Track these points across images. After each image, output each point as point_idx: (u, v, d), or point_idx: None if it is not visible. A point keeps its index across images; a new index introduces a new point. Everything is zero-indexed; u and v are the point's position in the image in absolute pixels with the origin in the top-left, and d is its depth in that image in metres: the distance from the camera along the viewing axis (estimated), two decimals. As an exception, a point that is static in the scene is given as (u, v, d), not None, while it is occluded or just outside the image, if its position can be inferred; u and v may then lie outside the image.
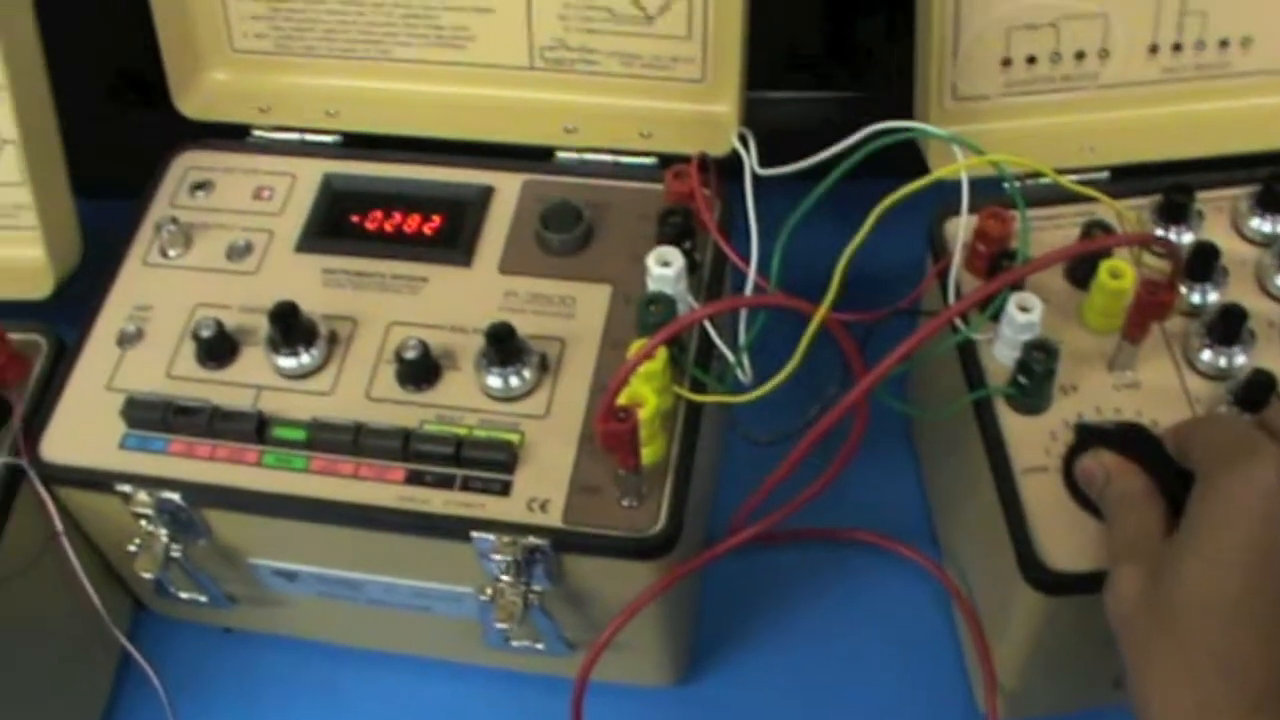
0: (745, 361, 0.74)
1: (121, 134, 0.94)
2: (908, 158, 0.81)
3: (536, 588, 0.74)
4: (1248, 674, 0.59)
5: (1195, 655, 0.60)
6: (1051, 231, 0.82)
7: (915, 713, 0.89)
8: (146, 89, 0.91)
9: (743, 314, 0.76)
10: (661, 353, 0.71)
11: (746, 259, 0.76)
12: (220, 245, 0.85)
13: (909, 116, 0.86)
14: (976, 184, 0.78)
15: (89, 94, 0.97)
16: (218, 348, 0.79)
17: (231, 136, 0.91)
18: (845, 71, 1.05)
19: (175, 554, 0.78)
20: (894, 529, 0.92)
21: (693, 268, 0.78)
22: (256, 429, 0.76)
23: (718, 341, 0.76)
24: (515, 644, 0.79)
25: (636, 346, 0.71)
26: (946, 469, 0.90)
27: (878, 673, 0.90)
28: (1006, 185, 0.77)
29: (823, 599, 0.93)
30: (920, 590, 0.92)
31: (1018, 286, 0.76)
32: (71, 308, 0.84)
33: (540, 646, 0.80)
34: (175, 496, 0.75)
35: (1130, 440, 0.72)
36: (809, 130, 0.77)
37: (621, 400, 0.68)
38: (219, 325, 0.78)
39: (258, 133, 0.91)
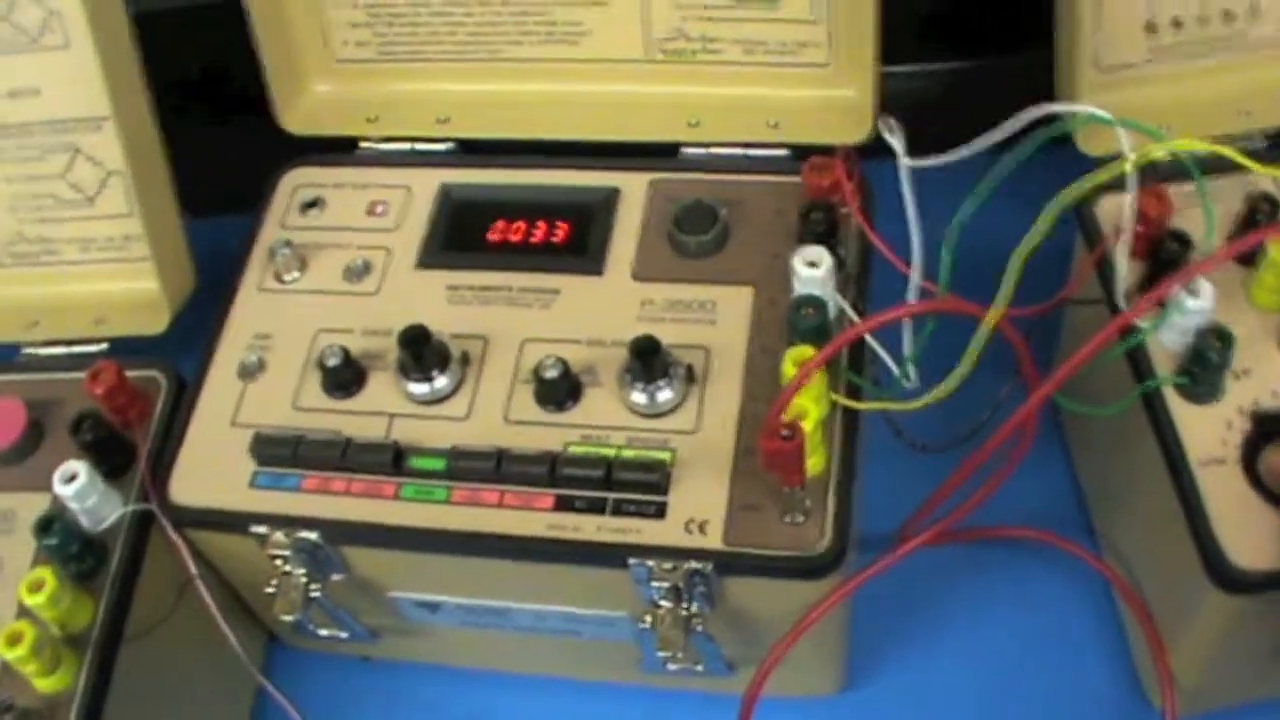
0: (911, 370, 0.69)
1: (227, 153, 0.90)
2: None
3: (696, 611, 0.70)
4: None
5: None
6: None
7: (1083, 711, 0.84)
8: (249, 106, 0.86)
9: (908, 319, 0.71)
10: (818, 360, 0.66)
11: (899, 257, 0.71)
12: (337, 266, 0.81)
13: (1040, 83, 0.80)
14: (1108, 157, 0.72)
15: (191, 114, 0.93)
16: (345, 376, 0.75)
17: (339, 150, 0.88)
18: (974, 41, 0.99)
19: (314, 594, 0.74)
20: (1045, 522, 0.87)
21: (838, 266, 0.73)
22: (393, 460, 0.72)
23: (878, 349, 0.71)
24: (673, 667, 0.75)
25: (794, 356, 0.67)
26: (1111, 463, 0.85)
27: (1041, 670, 0.85)
28: (1172, 163, 0.71)
29: (979, 598, 0.89)
30: (1081, 586, 0.87)
31: (1181, 268, 0.70)
32: (188, 341, 0.81)
33: (699, 668, 0.76)
34: (312, 536, 0.72)
35: (1313, 425, 0.66)
36: (935, 105, 0.72)
37: (786, 415, 0.64)
38: (345, 352, 0.75)
39: (366, 145, 0.87)
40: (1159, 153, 0.69)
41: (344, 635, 0.81)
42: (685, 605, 0.69)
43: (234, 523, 0.73)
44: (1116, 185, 0.70)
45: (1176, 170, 0.73)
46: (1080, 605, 0.87)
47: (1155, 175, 0.74)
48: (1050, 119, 0.67)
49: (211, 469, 0.75)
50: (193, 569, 0.75)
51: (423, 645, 0.85)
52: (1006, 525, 0.87)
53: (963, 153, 0.67)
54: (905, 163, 0.70)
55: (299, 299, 0.80)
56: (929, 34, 1.00)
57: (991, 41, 0.99)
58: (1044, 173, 0.67)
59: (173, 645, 0.77)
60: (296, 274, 0.81)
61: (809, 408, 0.66)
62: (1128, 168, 0.68)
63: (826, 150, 0.77)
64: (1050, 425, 0.94)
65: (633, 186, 0.82)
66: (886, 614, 0.88)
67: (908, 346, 0.69)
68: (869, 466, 0.80)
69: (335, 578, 0.75)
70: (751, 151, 0.83)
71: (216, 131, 0.99)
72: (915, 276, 0.69)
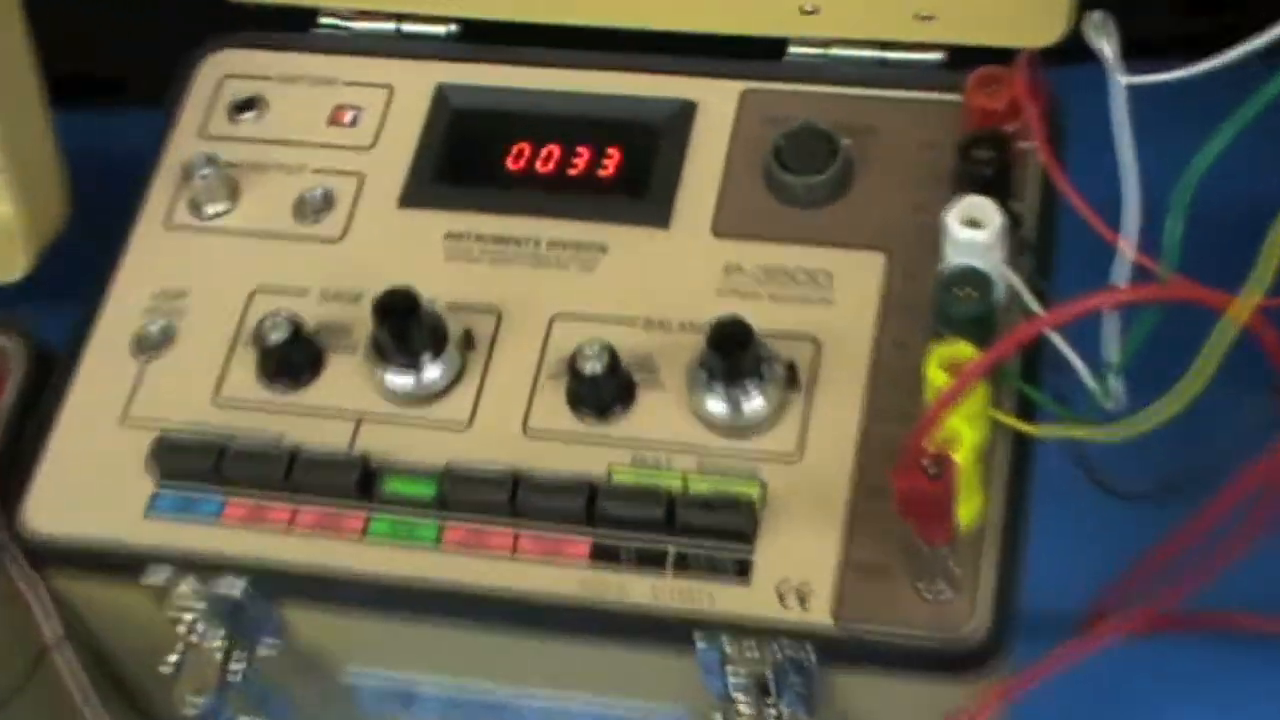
0: (1116, 383, 0.72)
1: (123, 12, 0.93)
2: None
3: (788, 713, 0.73)
4: None
5: None
6: None
7: None
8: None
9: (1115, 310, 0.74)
10: (982, 367, 0.70)
11: (1106, 219, 0.74)
12: (284, 197, 0.85)
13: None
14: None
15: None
16: (294, 357, 0.79)
17: (289, 27, 0.91)
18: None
19: (235, 672, 0.77)
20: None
21: (1013, 226, 0.76)
22: (360, 482, 0.76)
23: (1067, 352, 0.73)
24: (750, 788, 0.79)
25: (946, 355, 0.69)
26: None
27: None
28: None
29: (1211, 709, 0.92)
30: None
31: None
32: (56, 296, 0.84)
33: (783, 791, 0.79)
34: (236, 587, 0.75)
35: None
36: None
37: (930, 441, 0.67)
38: (294, 325, 0.78)
39: (328, 21, 0.91)
40: None
41: (269, 732, 0.85)
42: (772, 704, 0.72)
43: (120, 564, 0.76)
44: None
45: None
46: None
47: None
48: None
49: (88, 486, 0.78)
50: (52, 631, 0.79)
51: (387, 752, 0.88)
52: (1246, 612, 0.90)
53: (1207, 66, 0.70)
54: (1120, 80, 0.73)
55: (226, 242, 0.84)
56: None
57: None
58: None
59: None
60: (223, 205, 0.85)
61: (963, 432, 0.69)
62: None
63: (1001, 56, 0.80)
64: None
65: (716, 100, 0.85)
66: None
67: (1113, 351, 0.72)
68: (1043, 518, 0.83)
69: (266, 648, 0.78)
70: (891, 55, 0.86)
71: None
72: (1128, 249, 0.71)
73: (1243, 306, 0.66)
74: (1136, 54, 0.70)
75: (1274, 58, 0.66)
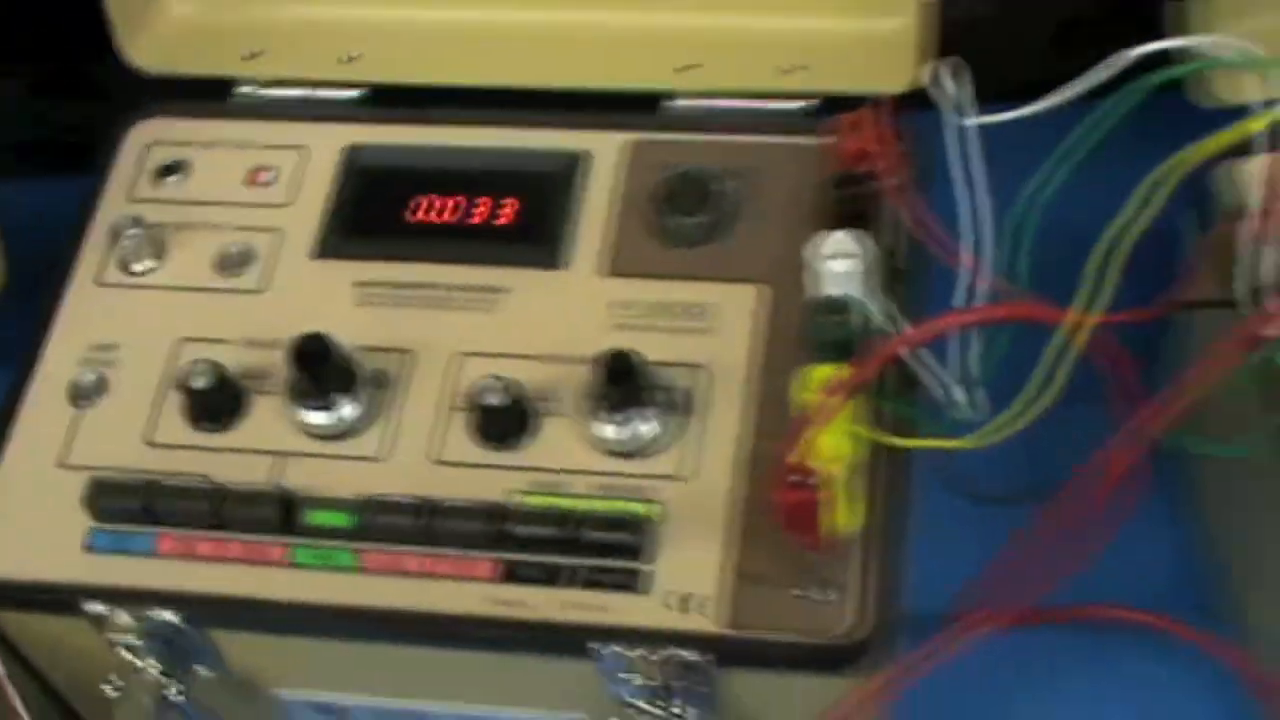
0: (978, 393, 0.73)
1: (58, 91, 0.93)
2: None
3: (684, 714, 0.74)
4: None
5: None
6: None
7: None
8: (90, 31, 0.90)
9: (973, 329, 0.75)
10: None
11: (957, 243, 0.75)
12: (206, 253, 0.85)
13: (1138, 15, 0.85)
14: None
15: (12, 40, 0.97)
16: (217, 401, 0.79)
17: (208, 97, 0.92)
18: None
19: (173, 695, 0.78)
20: (1142, 601, 0.92)
21: (878, 258, 0.78)
22: (282, 515, 0.76)
23: (933, 368, 0.75)
24: (650, 786, 0.80)
25: (815, 377, 0.71)
26: (1250, 523, 0.89)
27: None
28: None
29: (1065, 697, 0.94)
30: (1195, 682, 0.93)
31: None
32: (-2, 352, 0.84)
33: (682, 787, 0.80)
34: (171, 616, 0.76)
35: None
36: (1003, 44, 0.76)
37: (800, 456, 0.68)
38: (218, 371, 0.79)
39: (245, 90, 0.92)
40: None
41: (209, 752, 0.85)
42: (668, 706, 0.73)
43: (60, 599, 0.77)
44: (1244, 149, 0.73)
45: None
46: (1195, 707, 0.93)
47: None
48: (1157, 60, 0.71)
49: (28, 525, 0.79)
50: (-2, 667, 0.79)
51: (318, 768, 0.89)
52: (1104, 604, 0.91)
53: (1040, 106, 0.72)
54: (962, 121, 0.75)
55: (154, 297, 0.85)
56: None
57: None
58: (1146, 135, 0.70)
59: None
60: (150, 263, 0.85)
61: (836, 446, 0.70)
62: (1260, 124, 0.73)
63: (862, 103, 0.81)
64: (1160, 478, 0.98)
65: (604, 151, 0.86)
66: (948, 712, 0.92)
67: (973, 366, 0.74)
68: (917, 525, 0.84)
69: (203, 674, 0.79)
70: (763, 105, 0.87)
71: (45, 67, 1.03)
72: (981, 272, 0.73)
73: (1083, 323, 0.68)
74: (1017, 94, 0.72)
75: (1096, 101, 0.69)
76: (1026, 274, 0.72)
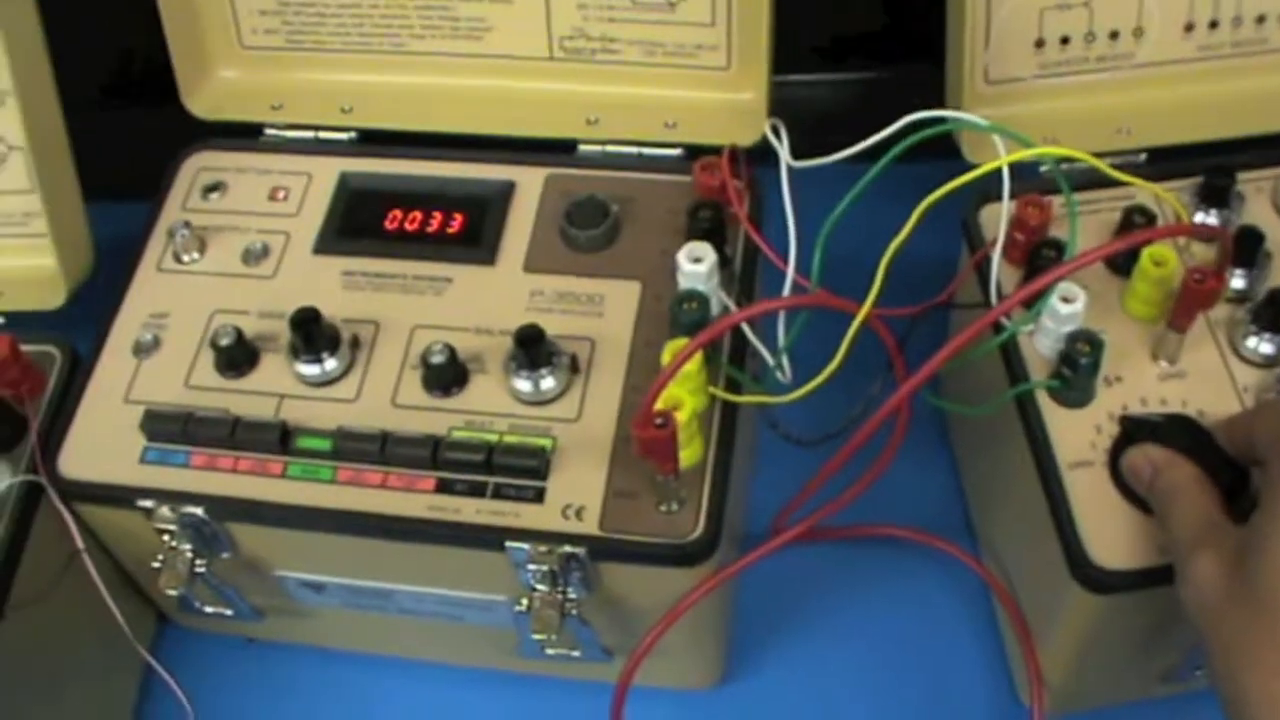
0: (785, 362, 0.72)
1: (131, 135, 0.92)
2: (939, 139, 0.79)
3: (573, 596, 0.73)
4: None
5: None
6: (1089, 217, 0.80)
7: (957, 709, 0.87)
8: (154, 89, 0.89)
9: (781, 313, 0.74)
10: (698, 353, 0.69)
11: (782, 254, 0.74)
12: (236, 249, 0.83)
13: (939, 95, 0.84)
14: (1014, 170, 0.75)
15: (95, 95, 0.95)
16: (237, 356, 0.77)
17: (244, 136, 0.90)
18: (874, 53, 1.02)
19: (200, 569, 0.76)
20: (930, 525, 0.90)
21: (724, 263, 0.76)
22: (280, 439, 0.74)
23: (755, 342, 0.74)
24: (551, 652, 0.78)
25: (672, 348, 0.70)
26: (987, 464, 0.88)
27: (918, 669, 0.89)
28: (1051, 174, 0.75)
29: (860, 596, 0.92)
30: (959, 586, 0.91)
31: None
32: (86, 318, 0.82)
33: (577, 654, 0.78)
34: (198, 511, 0.74)
35: (1177, 431, 0.69)
36: (838, 114, 0.75)
37: (658, 404, 0.66)
38: (238, 333, 0.77)
39: (271, 131, 0.89)
40: (1025, 157, 0.72)
41: (229, 613, 0.83)
42: (561, 589, 0.72)
43: (121, 497, 0.75)
44: (1000, 195, 0.74)
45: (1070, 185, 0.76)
46: (958, 605, 0.91)
47: (1039, 187, 0.78)
48: (928, 125, 0.70)
49: (102, 444, 0.76)
50: (79, 542, 0.77)
51: (308, 627, 0.87)
52: (882, 524, 0.90)
53: (841, 155, 0.71)
54: (787, 163, 0.74)
55: (197, 280, 0.82)
56: (834, 47, 1.03)
57: (893, 54, 1.03)
58: (934, 186, 0.70)
59: (58, 618, 0.78)
60: (196, 255, 0.83)
61: (685, 399, 0.69)
62: (1003, 170, 0.73)
63: (719, 151, 0.80)
64: (938, 430, 0.98)
65: (529, 181, 0.85)
66: (769, 611, 0.90)
67: (781, 338, 0.72)
68: (763, 465, 0.83)
69: (223, 555, 0.77)
70: (646, 151, 0.86)
71: (124, 115, 1.01)
72: (790, 272, 0.72)
73: (865, 311, 0.67)
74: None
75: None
76: (820, 274, 0.72)
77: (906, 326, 0.75)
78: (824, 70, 1.02)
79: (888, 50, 1.03)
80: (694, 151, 0.83)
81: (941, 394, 0.92)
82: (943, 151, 0.75)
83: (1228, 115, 0.84)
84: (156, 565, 0.76)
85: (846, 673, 0.88)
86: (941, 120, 0.71)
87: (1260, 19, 0.83)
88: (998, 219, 0.77)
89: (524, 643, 0.75)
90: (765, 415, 0.76)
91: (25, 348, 0.79)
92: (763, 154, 0.81)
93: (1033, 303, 0.73)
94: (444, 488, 0.72)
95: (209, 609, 0.82)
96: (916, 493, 0.93)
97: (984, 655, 0.88)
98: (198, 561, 0.76)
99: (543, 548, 0.70)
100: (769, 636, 0.90)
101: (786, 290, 0.72)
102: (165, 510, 0.74)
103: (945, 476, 0.96)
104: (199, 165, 0.88)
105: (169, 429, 0.75)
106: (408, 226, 0.83)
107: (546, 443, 0.73)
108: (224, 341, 0.76)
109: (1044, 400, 0.74)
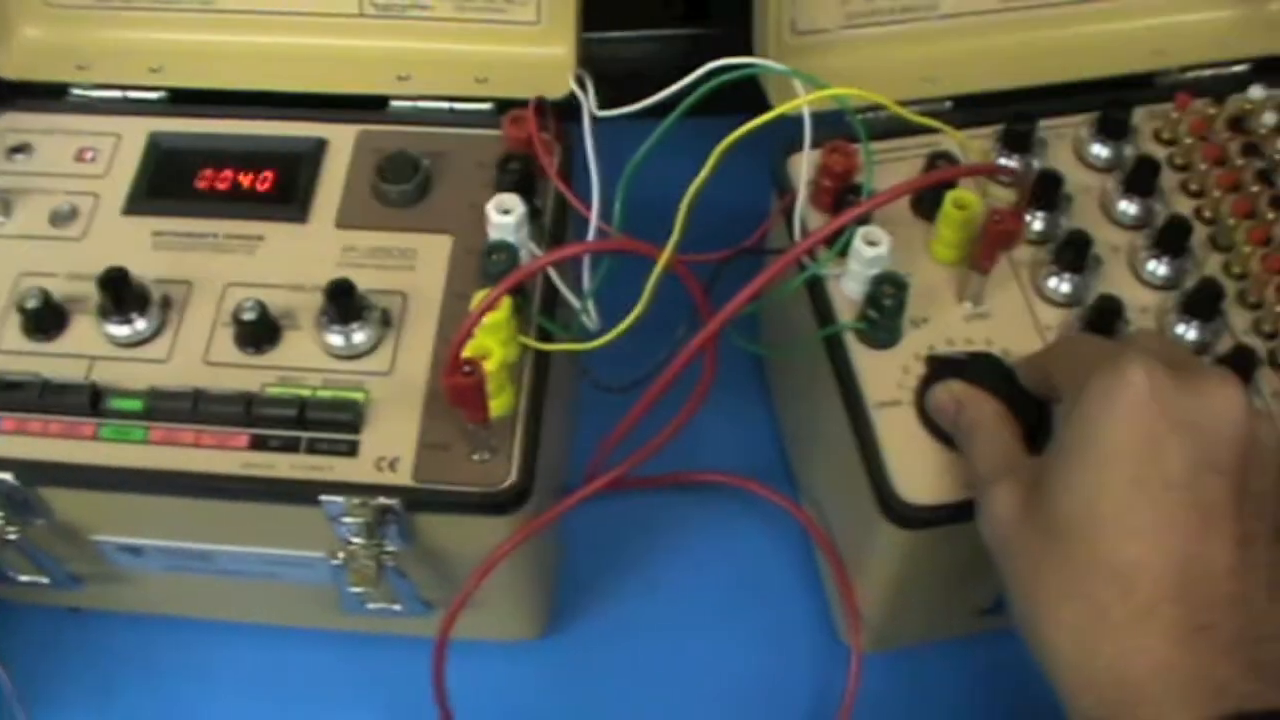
0: (591, 308, 0.73)
1: None
2: (752, 95, 0.81)
3: (390, 548, 0.74)
4: (1138, 577, 0.57)
5: (1083, 565, 0.58)
6: (896, 164, 0.82)
7: (780, 651, 0.90)
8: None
9: (586, 260, 0.75)
10: (506, 302, 0.70)
11: (588, 203, 0.75)
12: (43, 211, 0.82)
13: (751, 53, 0.85)
14: (821, 119, 0.78)
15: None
16: (45, 318, 0.76)
17: (50, 97, 0.88)
18: (688, 9, 1.04)
19: (12, 536, 0.76)
20: (750, 470, 0.92)
21: (534, 214, 0.78)
22: (91, 401, 0.74)
23: (562, 288, 0.75)
24: (372, 607, 0.78)
25: (480, 298, 0.70)
26: (800, 407, 0.91)
27: (741, 613, 0.91)
28: (849, 119, 0.76)
29: (682, 543, 0.94)
30: (779, 530, 0.93)
31: (864, 221, 0.75)
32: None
33: (398, 608, 0.79)
34: (8, 477, 0.73)
35: (980, 369, 0.72)
36: (651, 70, 0.76)
37: (467, 353, 0.68)
38: (45, 295, 0.76)
39: (77, 91, 0.88)
40: (822, 97, 0.75)
41: (46, 581, 0.82)
42: (378, 542, 0.73)
43: (-74, 463, 0.74)
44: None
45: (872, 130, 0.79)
46: (781, 549, 0.93)
47: (846, 134, 0.79)
48: (729, 72, 0.72)
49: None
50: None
51: (131, 593, 0.86)
52: (704, 471, 0.92)
53: (644, 104, 0.72)
54: (591, 112, 0.75)
55: (2, 243, 0.81)
56: (651, 5, 1.05)
57: (710, 11, 1.04)
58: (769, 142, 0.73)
59: None
60: (1, 218, 0.82)
61: (493, 348, 0.70)
62: (804, 114, 0.75)
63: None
64: (760, 380, 1.00)
65: (341, 137, 0.85)
66: (594, 561, 0.92)
67: (586, 284, 0.73)
68: (588, 416, 0.84)
69: (36, 522, 0.77)
70: (458, 106, 0.86)
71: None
72: (594, 218, 0.73)
73: (665, 255, 0.69)
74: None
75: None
76: (622, 220, 0.73)
77: (713, 271, 0.76)
78: (641, 27, 1.04)
79: (705, 7, 1.05)
80: (505, 106, 0.83)
81: (758, 340, 0.94)
82: (757, 108, 0.76)
83: (1030, 64, 0.87)
84: (-34, 536, 0.75)
85: (672, 620, 0.90)
86: (741, 67, 0.73)
87: (1063, -31, 0.87)
88: (797, 168, 0.80)
89: (344, 597, 0.76)
90: (577, 364, 0.77)
91: None
92: (576, 110, 0.82)
93: (833, 241, 0.75)
94: (258, 444, 0.73)
95: (24, 578, 0.82)
96: (740, 441, 0.96)
97: (807, 597, 0.91)
98: (9, 529, 0.75)
99: (357, 500, 0.71)
100: (594, 587, 0.92)
101: (590, 237, 0.73)
102: (-28, 477, 0.73)
103: (767, 425, 0.98)
104: (3, 126, 0.87)
105: (-25, 394, 0.74)
106: (219, 185, 0.83)
107: (359, 396, 0.74)
108: (30, 304, 0.76)
109: (852, 342, 0.76)
